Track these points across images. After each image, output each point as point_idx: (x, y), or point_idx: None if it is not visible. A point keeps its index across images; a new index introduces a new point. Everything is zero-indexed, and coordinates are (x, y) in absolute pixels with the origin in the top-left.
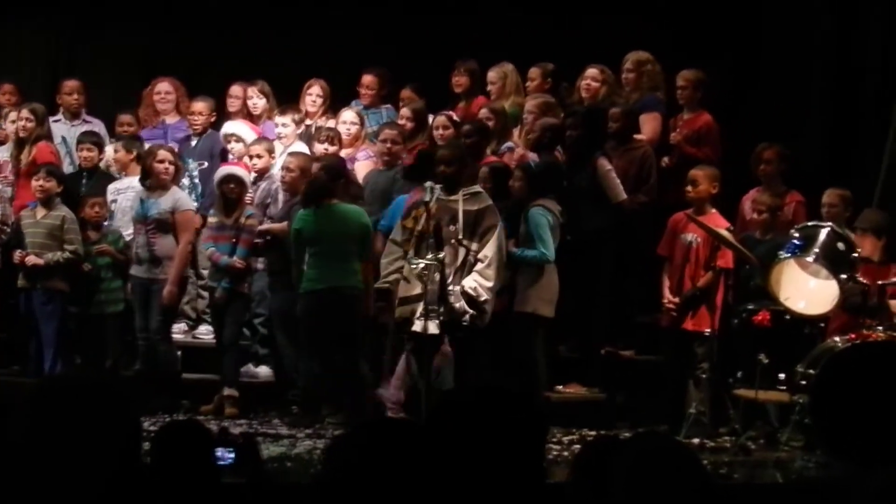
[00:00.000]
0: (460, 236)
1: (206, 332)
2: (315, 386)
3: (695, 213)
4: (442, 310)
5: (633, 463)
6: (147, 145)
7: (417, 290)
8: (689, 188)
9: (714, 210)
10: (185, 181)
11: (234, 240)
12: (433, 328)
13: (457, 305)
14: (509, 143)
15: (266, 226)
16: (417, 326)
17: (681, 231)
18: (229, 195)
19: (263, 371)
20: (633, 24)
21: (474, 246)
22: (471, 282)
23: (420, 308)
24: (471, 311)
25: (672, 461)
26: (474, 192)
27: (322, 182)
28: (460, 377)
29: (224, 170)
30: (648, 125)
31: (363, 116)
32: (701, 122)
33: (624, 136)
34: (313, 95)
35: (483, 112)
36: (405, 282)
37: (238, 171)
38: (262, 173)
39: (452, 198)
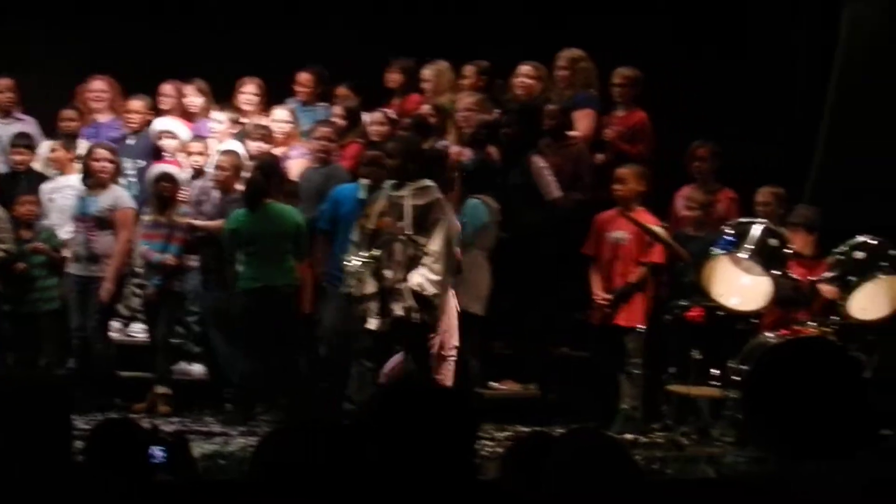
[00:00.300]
0: (408, 232)
1: (139, 331)
2: (251, 384)
3: (620, 210)
4: (395, 306)
5: (565, 459)
6: (80, 144)
7: (370, 288)
8: (618, 186)
9: (641, 208)
10: (122, 180)
11: (167, 238)
12: (383, 326)
13: (406, 303)
14: (444, 142)
15: (201, 223)
16: (372, 325)
17: (609, 229)
18: (163, 193)
19: (197, 369)
20: (570, 21)
21: (422, 240)
22: (417, 277)
23: (372, 306)
24: (419, 308)
25: (604, 457)
26: (423, 187)
27: (259, 182)
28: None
29: (157, 168)
30: (583, 122)
31: (295, 114)
32: (635, 120)
33: (559, 133)
34: (248, 94)
35: (426, 108)
36: (357, 280)
37: (171, 169)
38: (201, 171)
39: (400, 193)
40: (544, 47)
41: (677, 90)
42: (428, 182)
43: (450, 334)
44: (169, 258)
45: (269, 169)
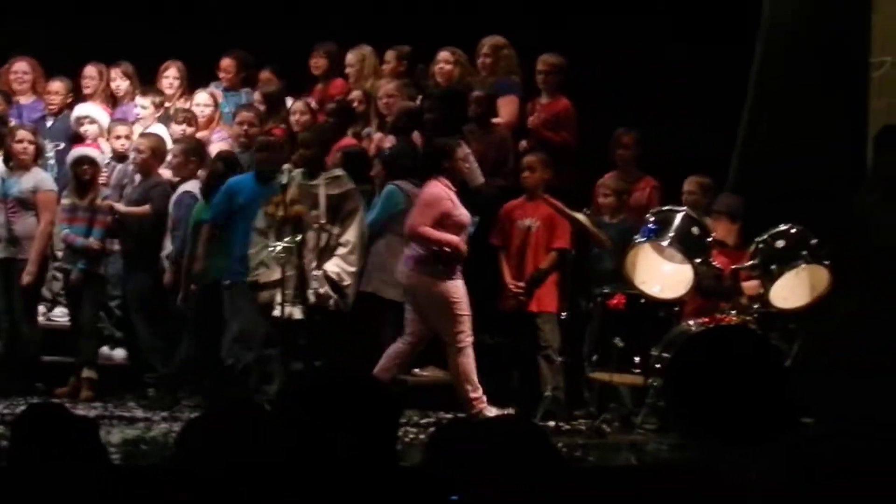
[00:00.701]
0: (322, 221)
1: (61, 315)
2: (187, 370)
3: (528, 198)
4: (309, 293)
5: (487, 446)
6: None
7: (277, 275)
8: (526, 174)
9: (546, 195)
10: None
11: (90, 221)
12: (298, 314)
13: (321, 290)
14: (368, 129)
15: (125, 209)
16: (278, 312)
17: (517, 217)
18: (83, 177)
19: (119, 354)
20: (491, 6)
21: (336, 230)
22: (334, 266)
23: (279, 294)
24: (335, 295)
25: (526, 444)
26: (336, 176)
27: (219, 173)
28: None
29: (77, 151)
30: (506, 108)
31: (217, 97)
32: (560, 107)
33: (484, 120)
34: (170, 78)
35: (356, 94)
36: (265, 267)
37: (91, 152)
38: (123, 156)
39: (314, 182)
40: (467, 33)
41: (609, 78)
42: (340, 172)
43: (464, 325)
44: (93, 242)
45: (230, 159)
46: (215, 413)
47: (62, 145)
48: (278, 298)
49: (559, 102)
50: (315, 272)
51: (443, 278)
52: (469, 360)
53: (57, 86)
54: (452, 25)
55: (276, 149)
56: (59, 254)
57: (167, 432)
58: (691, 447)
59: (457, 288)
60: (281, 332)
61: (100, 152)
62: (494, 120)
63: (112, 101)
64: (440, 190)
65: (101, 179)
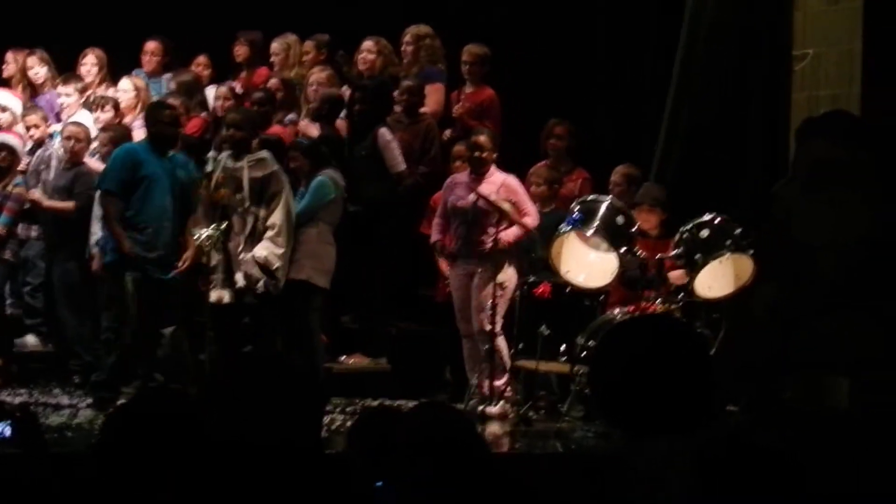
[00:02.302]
0: (247, 204)
1: None
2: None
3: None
4: (238, 276)
5: (412, 433)
6: None
7: (214, 260)
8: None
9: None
10: None
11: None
12: (227, 297)
13: (251, 272)
14: (292, 116)
15: (49, 203)
16: (213, 297)
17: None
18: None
19: (31, 340)
20: None
21: (262, 213)
22: (262, 250)
23: (216, 278)
24: (264, 276)
25: (451, 431)
26: (259, 159)
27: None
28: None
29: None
30: (432, 97)
31: (139, 85)
32: (484, 97)
33: (412, 109)
34: (88, 65)
35: (273, 82)
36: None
37: (9, 139)
38: (40, 143)
39: (238, 165)
40: (390, 22)
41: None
42: (264, 154)
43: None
44: None
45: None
46: (140, 400)
47: None
48: (216, 282)
49: (483, 92)
50: (244, 255)
51: None
52: (504, 346)
53: None
54: (376, 14)
55: (173, 122)
56: None
57: (93, 419)
58: (615, 436)
59: None
60: (214, 317)
61: (18, 139)
62: (422, 109)
63: (31, 88)
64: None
65: (21, 167)
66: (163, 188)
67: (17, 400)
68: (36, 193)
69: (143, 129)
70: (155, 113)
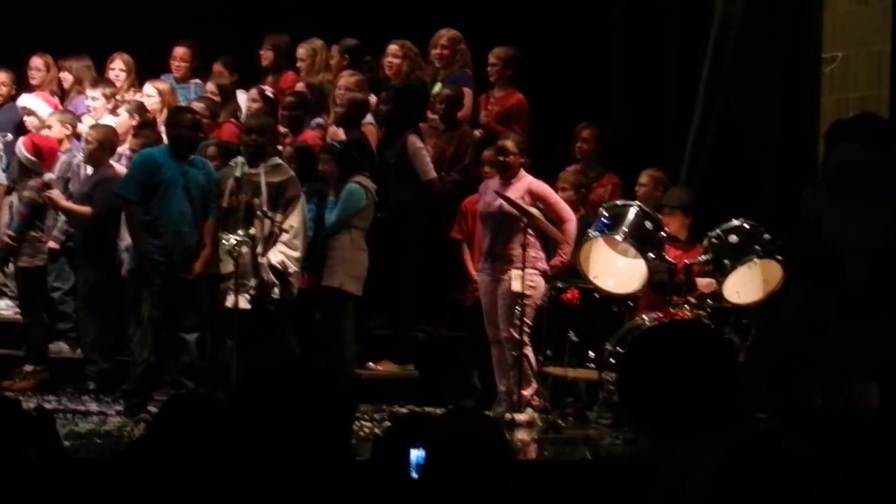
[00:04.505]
0: (264, 208)
1: (4, 307)
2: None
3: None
4: (252, 284)
5: (441, 439)
6: None
7: (231, 267)
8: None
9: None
10: None
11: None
12: (243, 303)
13: (265, 278)
14: (319, 120)
15: (66, 205)
16: (229, 302)
17: (479, 212)
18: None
19: (61, 347)
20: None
21: (279, 217)
22: (277, 255)
23: (232, 284)
24: (278, 282)
25: (480, 437)
26: (275, 164)
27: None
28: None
29: (20, 140)
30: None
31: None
32: (513, 101)
33: (450, 118)
34: (116, 70)
35: (300, 86)
36: (219, 260)
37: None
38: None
39: (255, 171)
40: (416, 26)
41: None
42: (279, 160)
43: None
44: (5, 234)
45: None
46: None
47: (9, 136)
48: (232, 288)
49: (513, 96)
50: (260, 260)
51: None
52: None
53: (0, 77)
54: (402, 17)
55: (194, 126)
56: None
57: (122, 425)
58: (642, 442)
59: None
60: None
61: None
62: (460, 115)
63: (61, 92)
64: None
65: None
66: (181, 192)
67: (48, 406)
68: (54, 193)
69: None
70: (176, 117)
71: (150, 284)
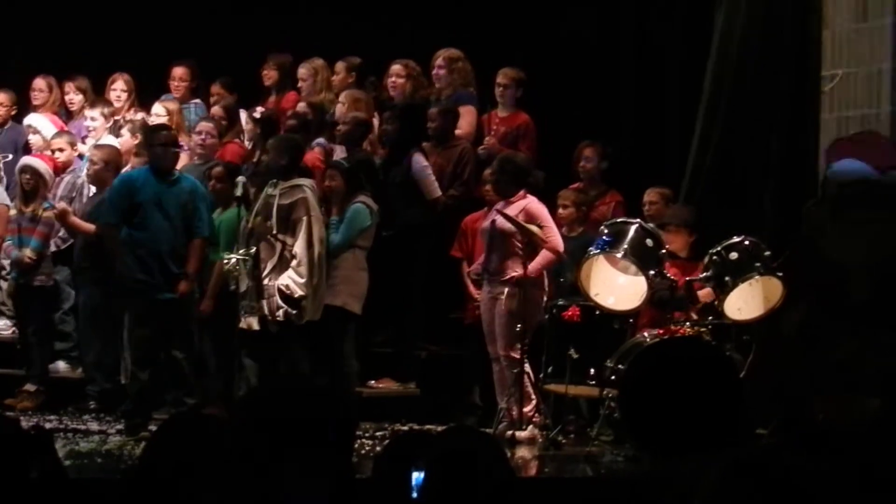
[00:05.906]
0: (274, 231)
1: (3, 327)
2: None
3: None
4: (258, 305)
5: (441, 457)
6: None
7: (244, 286)
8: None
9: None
10: None
11: (29, 232)
12: (255, 324)
13: (271, 300)
14: (320, 140)
15: (72, 220)
16: (243, 324)
17: (479, 228)
18: (25, 186)
19: (61, 366)
20: (444, 20)
21: (289, 240)
22: (284, 279)
23: (245, 304)
24: (284, 306)
25: (480, 455)
26: (293, 186)
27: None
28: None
29: (22, 160)
30: (464, 119)
31: (173, 110)
32: (519, 121)
33: (444, 135)
34: (117, 90)
35: (301, 106)
36: (236, 279)
37: (35, 162)
38: (66, 167)
39: (273, 192)
40: (418, 46)
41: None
42: (299, 181)
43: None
44: (25, 254)
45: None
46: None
47: (10, 156)
48: (245, 308)
49: (518, 116)
50: (268, 282)
51: None
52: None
53: (1, 97)
54: (406, 37)
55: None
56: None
57: (123, 444)
58: (645, 459)
59: None
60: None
61: (47, 163)
62: (457, 132)
63: (67, 114)
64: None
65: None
66: (160, 212)
67: (48, 425)
68: (62, 204)
69: (187, 153)
70: (150, 137)
71: (130, 305)
